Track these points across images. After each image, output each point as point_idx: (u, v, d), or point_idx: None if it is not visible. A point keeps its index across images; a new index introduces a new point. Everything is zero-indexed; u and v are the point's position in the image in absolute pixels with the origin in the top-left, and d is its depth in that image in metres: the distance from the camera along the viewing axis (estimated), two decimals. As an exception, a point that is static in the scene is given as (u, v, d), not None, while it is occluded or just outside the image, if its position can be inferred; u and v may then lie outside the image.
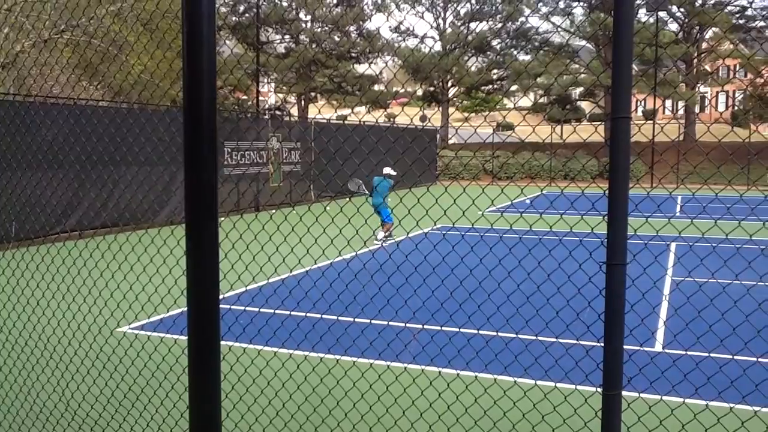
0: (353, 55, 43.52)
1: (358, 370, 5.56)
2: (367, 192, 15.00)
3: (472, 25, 46.08)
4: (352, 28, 43.53)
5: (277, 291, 6.31)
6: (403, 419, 4.79)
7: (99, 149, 14.65)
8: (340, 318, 6.34)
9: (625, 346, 2.49)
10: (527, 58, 44.89)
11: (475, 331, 5.50)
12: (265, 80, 43.63)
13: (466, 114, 52.90)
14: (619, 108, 2.38)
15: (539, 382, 5.03)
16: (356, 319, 6.49)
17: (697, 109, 42.54)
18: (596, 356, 2.94)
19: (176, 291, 5.06)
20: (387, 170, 15.08)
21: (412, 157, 25.88)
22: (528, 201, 22.19)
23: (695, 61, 40.63)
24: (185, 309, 2.33)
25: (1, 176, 13.18)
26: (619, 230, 2.41)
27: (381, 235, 14.71)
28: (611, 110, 2.40)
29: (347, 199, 14.45)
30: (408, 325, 6.69)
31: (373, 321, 6.06)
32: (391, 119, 40.83)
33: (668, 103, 48.17)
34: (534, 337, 6.25)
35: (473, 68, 46.79)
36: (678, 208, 21.24)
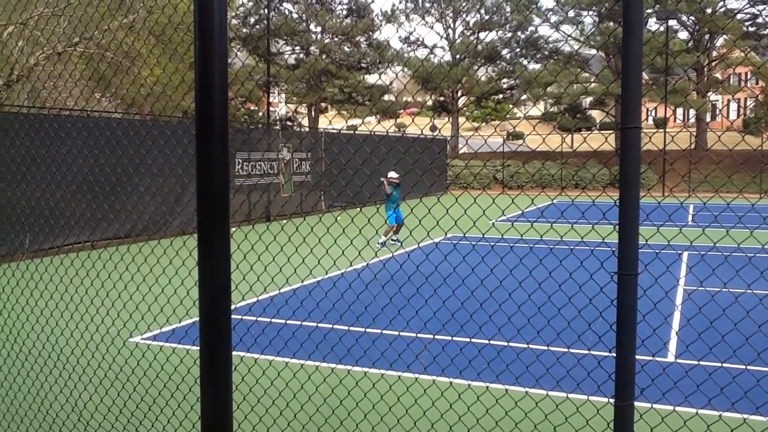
0: (363, 65, 43.69)
1: (369, 381, 5.56)
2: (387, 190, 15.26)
3: (482, 34, 46.20)
4: (362, 39, 43.72)
5: (288, 301, 6.33)
6: (414, 430, 4.78)
7: (112, 161, 14.77)
8: (351, 328, 6.34)
9: (637, 357, 2.48)
10: (537, 67, 44.90)
11: (486, 342, 5.49)
12: (276, 91, 43.85)
13: (476, 123, 52.93)
14: (629, 118, 2.38)
15: (551, 393, 5.01)
16: (367, 330, 6.49)
17: (708, 118, 42.37)
18: (608, 367, 2.93)
19: (188, 301, 5.09)
20: (391, 174, 15.28)
21: (423, 166, 25.90)
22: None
23: (706, 69, 40.50)
24: (197, 319, 2.34)
25: (15, 188, 13.30)
26: (631, 240, 2.40)
27: (383, 238, 15.11)
28: (621, 120, 2.40)
29: (358, 209, 14.50)
30: (419, 335, 6.69)
31: (384, 331, 6.06)
32: (402, 129, 40.90)
33: (679, 111, 48.01)
34: (545, 348, 6.22)
35: (483, 78, 46.83)
36: (690, 218, 21.12)
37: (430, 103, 47.83)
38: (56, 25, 18.97)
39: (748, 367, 4.93)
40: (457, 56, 45.36)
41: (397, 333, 6.15)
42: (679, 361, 6.81)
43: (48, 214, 13.70)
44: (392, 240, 15.34)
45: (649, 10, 36.05)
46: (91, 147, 14.46)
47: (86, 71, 18.51)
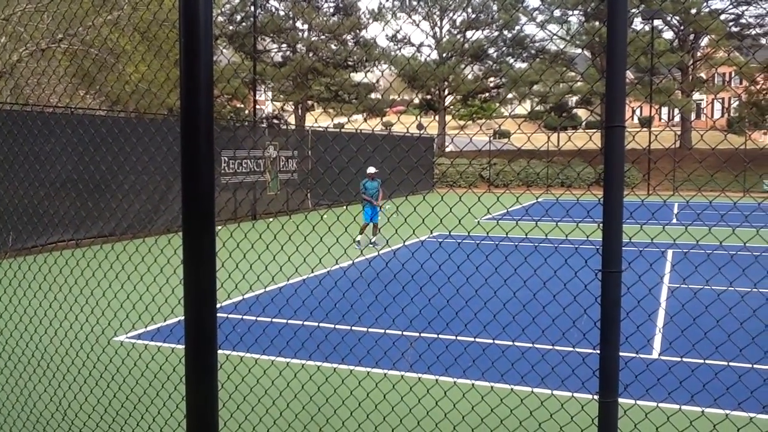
0: (350, 63, 43.64)
1: (355, 379, 5.56)
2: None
3: (469, 33, 46.29)
4: (348, 37, 43.65)
5: (274, 300, 6.32)
6: (400, 427, 4.79)
7: (96, 158, 14.66)
8: (337, 326, 6.34)
9: (621, 354, 2.50)
10: (523, 66, 45.06)
11: (472, 339, 5.51)
12: (263, 89, 43.69)
13: (462, 122, 53.06)
14: (613, 117, 2.40)
15: (536, 390, 5.04)
16: (353, 328, 6.50)
17: (692, 117, 42.71)
18: (592, 363, 2.95)
19: (173, 300, 5.07)
20: (370, 170, 15.08)
21: (409, 165, 25.93)
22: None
23: (690, 68, 40.83)
24: (182, 318, 2.34)
25: (-2, 186, 13.18)
26: (615, 238, 2.42)
27: (358, 237, 14.99)
28: (606, 119, 2.42)
29: (344, 207, 14.50)
30: (405, 333, 6.70)
31: (370, 329, 6.06)
32: (388, 127, 40.92)
33: (664, 110, 48.38)
34: (530, 345, 6.26)
35: (470, 76, 46.93)
36: (673, 216, 21.30)
37: (416, 101, 47.88)
38: (39, 21, 18.80)
39: (730, 364, 4.99)
40: (444, 55, 45.42)
41: (382, 331, 6.16)
42: (662, 357, 6.87)
43: (32, 212, 13.58)
44: (371, 243, 14.81)
45: (634, 10, 36.28)
46: (75, 144, 14.35)
47: (70, 68, 18.35)
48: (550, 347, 5.74)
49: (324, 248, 13.08)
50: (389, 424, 4.77)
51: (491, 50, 45.76)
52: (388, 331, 6.00)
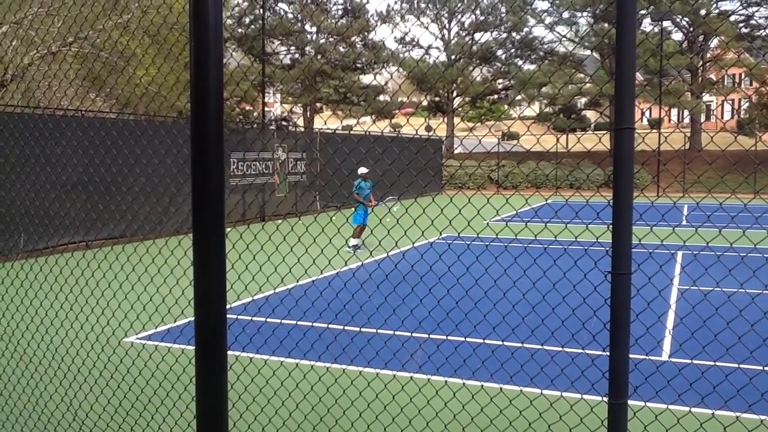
0: (358, 66, 43.69)
1: (364, 380, 5.57)
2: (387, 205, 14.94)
3: (477, 35, 46.26)
4: (357, 40, 43.71)
5: (283, 301, 6.34)
6: (409, 429, 4.79)
7: (106, 161, 14.74)
8: (346, 327, 6.35)
9: (630, 355, 2.50)
10: (532, 67, 44.98)
11: (481, 341, 5.50)
12: (271, 91, 43.80)
13: (471, 124, 52.98)
14: (622, 119, 2.40)
15: (545, 392, 5.03)
16: (362, 329, 6.51)
17: (702, 118, 42.50)
18: (602, 365, 2.95)
19: (183, 301, 5.09)
20: (362, 170, 15.06)
21: (418, 167, 25.93)
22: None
23: (700, 70, 40.63)
24: (192, 319, 2.35)
25: (10, 188, 13.27)
26: (624, 239, 2.42)
27: (354, 242, 14.83)
28: (615, 121, 2.42)
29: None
30: (414, 334, 6.70)
31: (379, 330, 6.07)
32: (397, 130, 40.93)
33: (673, 112, 48.17)
34: (540, 347, 6.25)
35: (478, 78, 46.88)
36: (683, 218, 21.20)
37: (425, 103, 47.88)
38: (50, 25, 18.92)
39: (741, 366, 4.97)
40: (453, 57, 45.39)
41: (392, 332, 6.17)
42: (672, 359, 6.84)
43: (42, 214, 13.67)
44: (348, 247, 14.42)
45: (643, 11, 36.16)
46: (86, 147, 14.43)
47: (81, 71, 18.46)
48: (560, 349, 5.73)
49: (333, 250, 13.11)
50: (398, 425, 4.77)
51: (500, 52, 45.72)
52: (397, 332, 6.01)
